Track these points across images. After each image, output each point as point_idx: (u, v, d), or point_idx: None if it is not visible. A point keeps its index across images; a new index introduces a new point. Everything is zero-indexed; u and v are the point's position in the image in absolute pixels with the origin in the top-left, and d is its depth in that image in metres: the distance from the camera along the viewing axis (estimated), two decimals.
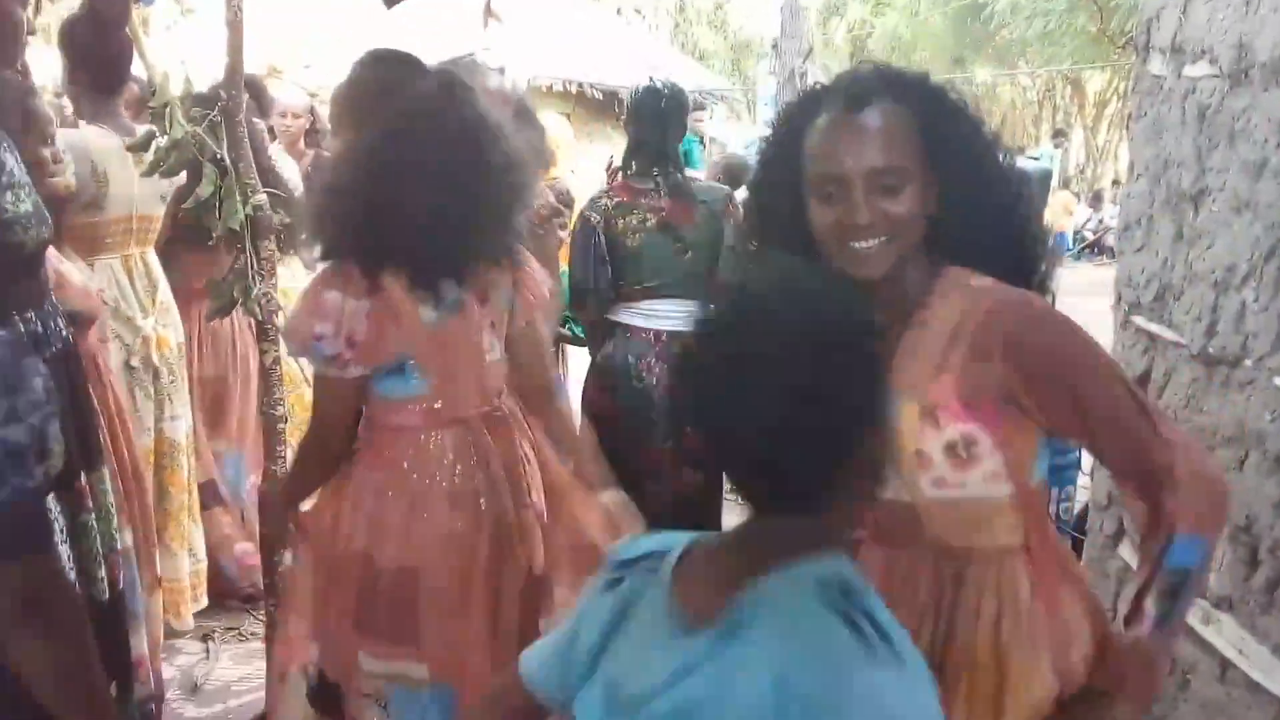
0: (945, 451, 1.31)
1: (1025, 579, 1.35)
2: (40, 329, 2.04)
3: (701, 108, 8.16)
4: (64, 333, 2.11)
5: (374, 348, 1.83)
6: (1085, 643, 1.37)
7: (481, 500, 1.94)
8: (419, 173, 1.80)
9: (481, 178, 1.84)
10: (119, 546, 2.30)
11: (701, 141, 6.40)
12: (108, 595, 2.19)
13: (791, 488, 1.01)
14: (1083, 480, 4.13)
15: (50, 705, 1.24)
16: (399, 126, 1.83)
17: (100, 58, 2.90)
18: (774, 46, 8.97)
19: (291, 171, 3.44)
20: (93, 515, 2.14)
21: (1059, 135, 17.73)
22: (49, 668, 1.22)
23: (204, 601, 3.22)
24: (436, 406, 1.91)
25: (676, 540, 1.12)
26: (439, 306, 1.86)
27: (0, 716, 1.28)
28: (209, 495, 3.34)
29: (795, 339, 0.99)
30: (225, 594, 3.39)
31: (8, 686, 1.23)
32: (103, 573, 2.17)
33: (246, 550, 3.36)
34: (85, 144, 2.79)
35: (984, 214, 1.38)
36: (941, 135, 1.35)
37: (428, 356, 1.88)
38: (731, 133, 13.25)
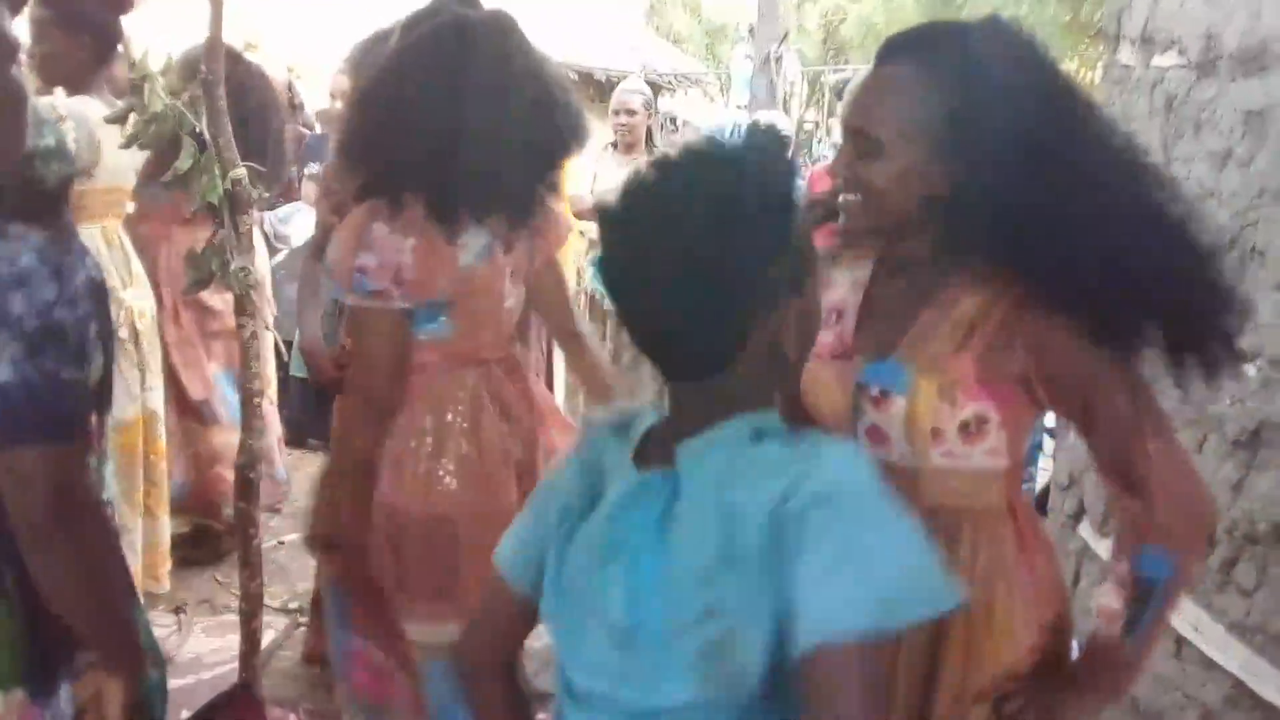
0: (959, 429, 1.33)
1: (1011, 539, 1.39)
2: None
3: (673, 90, 8.22)
4: (93, 274, 2.12)
5: (422, 285, 1.81)
6: (1053, 604, 1.42)
7: (505, 443, 1.94)
8: (450, 106, 1.78)
9: (515, 118, 1.82)
10: (108, 497, 2.31)
11: (674, 123, 6.41)
12: None
13: (692, 355, 1.02)
14: (1043, 461, 4.21)
15: (72, 619, 1.25)
16: (428, 55, 1.83)
17: (96, 27, 2.89)
18: (750, 31, 9.00)
19: None
20: (95, 459, 2.14)
21: None
22: (77, 577, 1.22)
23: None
24: (457, 349, 1.91)
25: (643, 411, 1.13)
26: (473, 250, 1.86)
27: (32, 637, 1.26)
28: (204, 413, 3.42)
29: (685, 202, 0.99)
30: (207, 512, 3.44)
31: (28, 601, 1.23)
32: None
33: (221, 473, 3.40)
34: (85, 112, 2.78)
35: (1028, 225, 1.26)
36: (968, 119, 1.26)
37: (458, 299, 1.88)
38: (704, 115, 13.25)
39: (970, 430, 1.33)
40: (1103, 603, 1.38)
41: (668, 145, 5.52)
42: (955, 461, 1.35)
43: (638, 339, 1.06)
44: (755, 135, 1.05)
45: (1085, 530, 2.78)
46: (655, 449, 1.08)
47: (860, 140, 1.31)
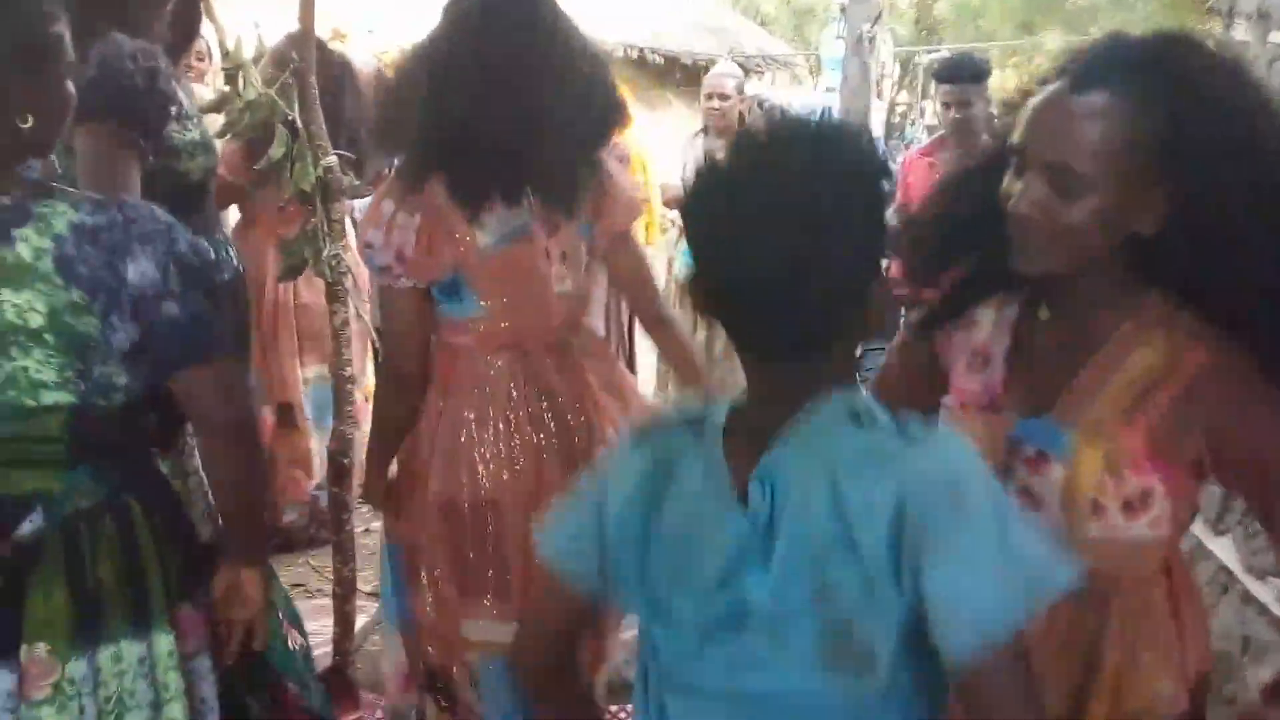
0: (1122, 506, 1.22)
1: (1162, 603, 1.30)
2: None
3: (760, 73, 8.10)
4: (235, 263, 2.16)
5: (422, 264, 1.81)
6: (1201, 662, 1.33)
7: (541, 432, 1.90)
8: (470, 82, 1.75)
9: (541, 95, 1.77)
10: None
11: (761, 106, 6.32)
12: None
13: (799, 329, 1.00)
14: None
15: (238, 510, 1.56)
16: (454, 29, 1.80)
17: (176, 16, 2.94)
18: (842, 10, 8.84)
19: None
20: None
21: None
22: (253, 471, 1.56)
23: None
24: (493, 331, 1.88)
25: (712, 409, 1.09)
26: (498, 231, 1.82)
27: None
28: (287, 417, 3.47)
29: (800, 176, 0.96)
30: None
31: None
32: None
33: (299, 477, 3.49)
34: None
35: (1246, 256, 1.16)
36: (1180, 147, 1.15)
37: (483, 280, 1.85)
38: (792, 98, 13.09)
39: (1134, 506, 1.22)
40: (1263, 676, 1.31)
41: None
42: (1113, 534, 1.24)
43: (735, 314, 1.03)
44: (840, 118, 1.06)
45: (1199, 529, 2.66)
46: (739, 437, 1.05)
47: (1059, 176, 1.17)
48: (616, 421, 1.99)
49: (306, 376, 3.54)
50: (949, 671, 0.95)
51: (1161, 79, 1.16)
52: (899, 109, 12.58)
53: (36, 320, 1.33)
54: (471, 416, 1.89)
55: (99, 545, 1.42)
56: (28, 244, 1.32)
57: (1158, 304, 1.23)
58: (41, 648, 1.38)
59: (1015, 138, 1.21)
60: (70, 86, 1.43)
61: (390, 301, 1.89)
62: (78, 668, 1.39)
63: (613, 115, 1.92)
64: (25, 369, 1.34)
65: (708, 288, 1.03)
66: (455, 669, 1.98)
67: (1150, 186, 1.17)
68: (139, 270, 1.37)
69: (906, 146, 8.30)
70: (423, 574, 1.97)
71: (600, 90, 1.87)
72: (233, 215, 3.53)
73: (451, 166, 1.78)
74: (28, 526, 1.39)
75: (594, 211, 1.92)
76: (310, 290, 3.36)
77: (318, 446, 3.46)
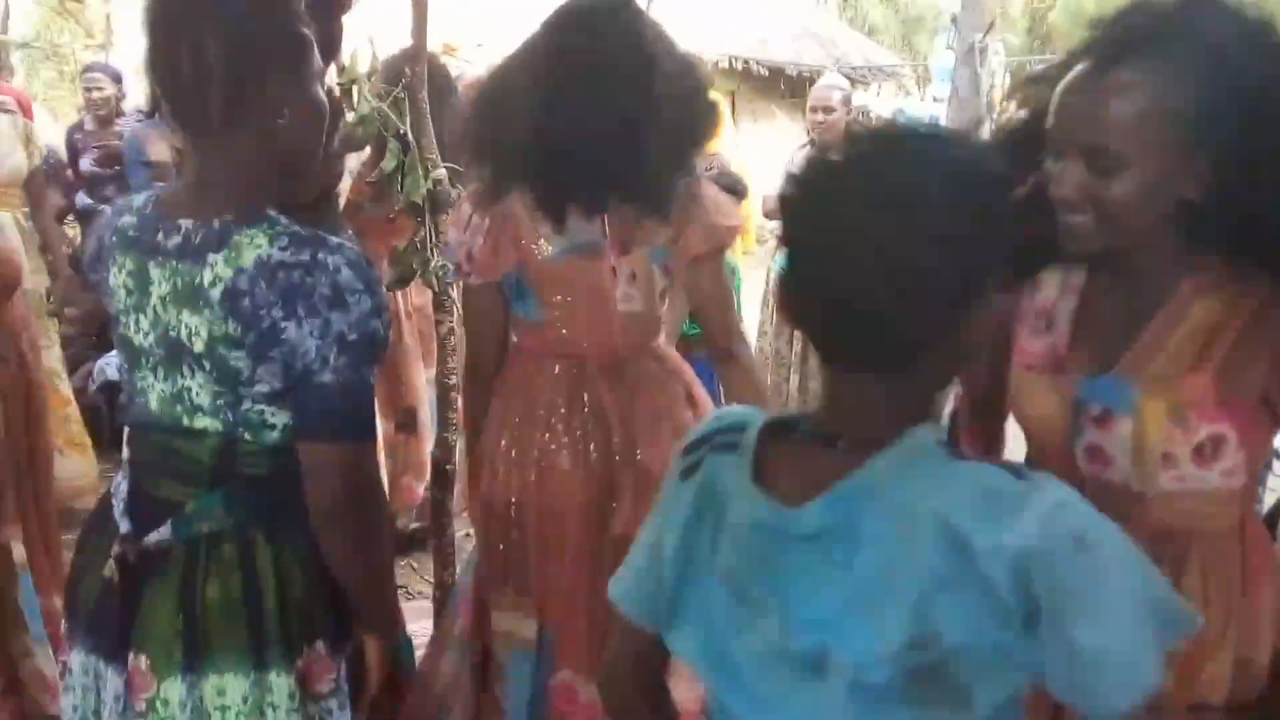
0: (1193, 453, 1.22)
1: (1238, 562, 1.28)
2: None
3: (866, 83, 8.03)
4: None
5: (485, 263, 1.88)
6: (1267, 638, 1.30)
7: (579, 445, 1.91)
8: (549, 92, 1.76)
9: (637, 107, 1.75)
10: None
11: (867, 117, 6.25)
12: None
13: (889, 337, 0.94)
14: (1272, 480, 3.88)
15: (354, 586, 1.43)
16: (545, 41, 1.81)
17: (323, 35, 3.04)
18: (952, 19, 8.71)
19: None
20: None
21: None
22: (368, 551, 1.42)
23: None
24: (548, 340, 1.92)
25: (750, 416, 1.06)
26: (567, 242, 1.84)
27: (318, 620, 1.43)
28: (409, 421, 3.54)
29: (921, 177, 0.92)
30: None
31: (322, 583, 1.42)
32: None
33: (412, 484, 3.54)
34: None
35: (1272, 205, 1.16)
36: (1216, 110, 1.15)
37: (545, 287, 1.88)
38: (900, 109, 12.93)
39: (1205, 453, 1.22)
40: None
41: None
42: (1187, 484, 1.24)
43: (822, 317, 0.98)
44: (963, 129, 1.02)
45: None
46: (797, 460, 1.01)
47: (1096, 157, 1.18)
48: (664, 452, 1.96)
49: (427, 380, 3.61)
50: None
51: (1187, 47, 1.16)
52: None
53: (199, 345, 1.34)
54: (516, 419, 1.94)
55: (213, 569, 1.38)
56: (212, 270, 1.32)
57: (1214, 263, 1.23)
58: (144, 660, 1.37)
59: (1049, 124, 1.22)
60: (320, 96, 1.42)
61: (468, 298, 1.98)
62: (174, 689, 1.36)
63: (705, 126, 1.91)
64: (190, 389, 1.38)
65: (799, 289, 0.99)
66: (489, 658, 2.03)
67: (1191, 154, 1.16)
68: (301, 322, 1.29)
69: None
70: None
71: (693, 100, 1.87)
72: None
73: (539, 175, 1.80)
74: (154, 536, 1.40)
75: (674, 235, 1.91)
76: (421, 295, 3.43)
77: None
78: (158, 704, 1.36)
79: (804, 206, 0.99)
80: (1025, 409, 1.37)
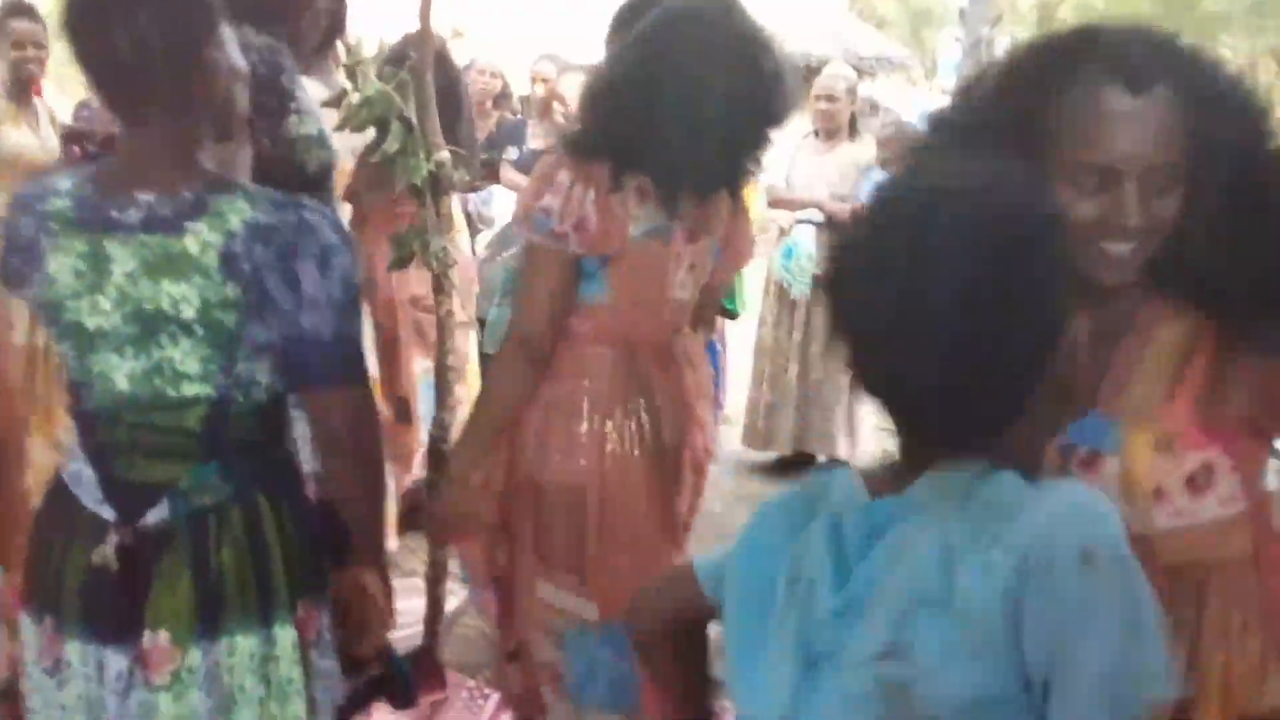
0: (1185, 485, 1.21)
1: (1255, 586, 1.26)
2: None
3: (873, 74, 8.01)
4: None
5: (599, 237, 1.86)
6: None
7: (634, 426, 1.95)
8: (667, 81, 1.81)
9: (734, 98, 1.83)
10: None
11: (874, 109, 6.24)
12: None
13: (967, 418, 0.90)
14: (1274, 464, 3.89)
15: (361, 523, 1.54)
16: (659, 29, 1.86)
17: (326, 14, 3.05)
18: (961, 13, 8.69)
19: None
20: None
21: None
22: (376, 486, 1.55)
23: None
24: (609, 322, 1.94)
25: (831, 484, 1.06)
26: (646, 225, 1.88)
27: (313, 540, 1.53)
28: (402, 410, 3.55)
29: (972, 236, 0.87)
30: None
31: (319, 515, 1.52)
32: None
33: (398, 474, 3.53)
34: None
35: (1238, 244, 1.16)
36: (1206, 134, 1.16)
37: (620, 269, 1.90)
38: (906, 101, 12.90)
39: (1198, 483, 1.21)
40: None
41: (879, 136, 5.39)
42: (1185, 519, 1.22)
43: (892, 397, 0.95)
44: (1013, 165, 0.96)
45: None
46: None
47: (1158, 176, 1.15)
48: (706, 427, 2.04)
49: (424, 367, 3.60)
50: None
51: (1195, 76, 1.17)
52: None
53: (189, 312, 1.36)
54: (569, 404, 1.95)
55: (224, 538, 1.43)
56: (197, 238, 1.35)
57: (1169, 293, 1.23)
58: (164, 635, 1.41)
59: (1088, 157, 1.16)
60: (240, 59, 1.46)
61: (542, 264, 1.89)
62: (196, 657, 1.42)
63: (787, 110, 1.96)
64: (172, 359, 1.39)
65: (863, 370, 0.97)
66: (532, 634, 2.05)
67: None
68: (302, 277, 1.37)
69: None
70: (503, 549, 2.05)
71: (777, 87, 1.92)
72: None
73: (658, 158, 1.84)
74: (152, 517, 1.43)
75: (726, 237, 2.01)
76: (421, 284, 3.44)
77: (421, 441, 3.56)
78: (183, 674, 1.41)
79: (848, 280, 0.95)
80: None
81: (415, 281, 3.45)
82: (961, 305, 0.86)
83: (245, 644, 1.43)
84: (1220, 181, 1.16)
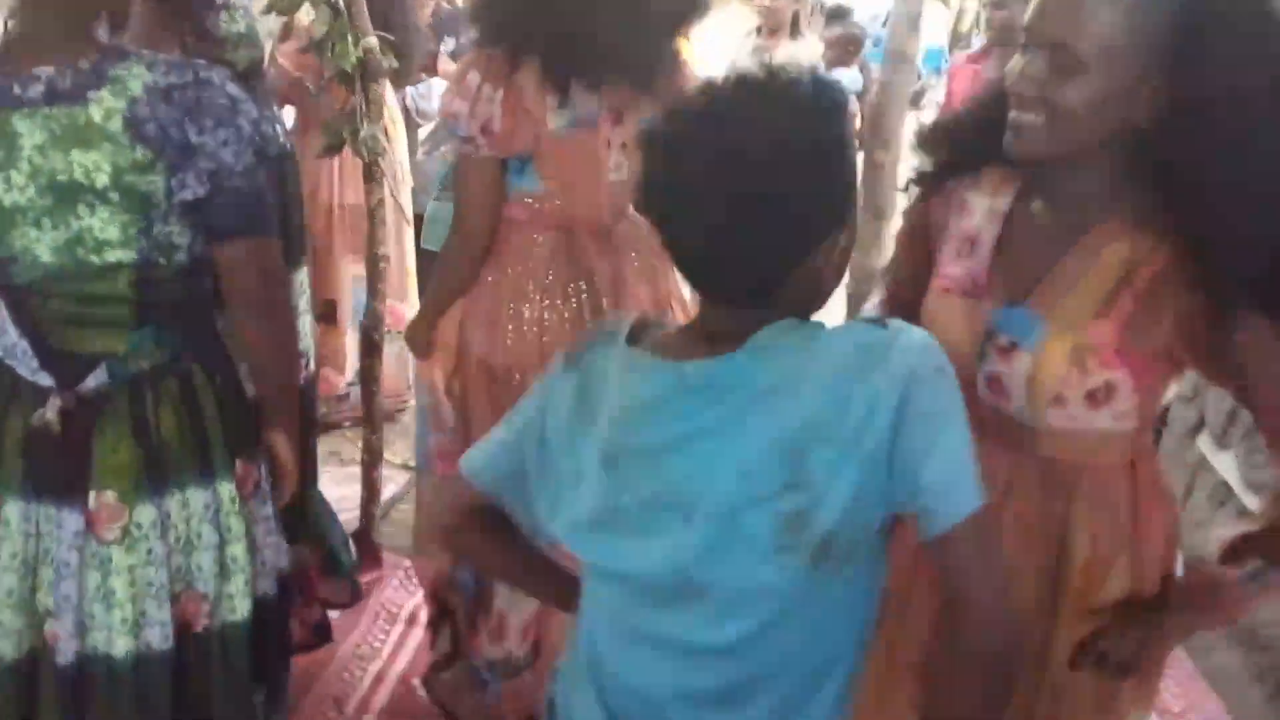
0: (1085, 397, 1.24)
1: (1128, 498, 1.32)
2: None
3: None
4: (283, 139, 2.26)
5: (505, 139, 1.88)
6: (1166, 562, 1.35)
7: (575, 308, 2.00)
8: None
9: None
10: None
11: (822, 8, 6.20)
12: None
13: (739, 284, 1.02)
14: None
15: (274, 380, 1.63)
16: None
17: None
18: None
19: None
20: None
21: None
22: (285, 341, 1.64)
23: None
24: (547, 209, 1.97)
25: (623, 322, 1.13)
26: (569, 115, 1.89)
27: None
28: (329, 313, 3.58)
29: (746, 133, 0.97)
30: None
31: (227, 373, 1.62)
32: None
33: (330, 374, 3.62)
34: None
35: (1238, 165, 1.13)
36: (1185, 38, 1.12)
37: (549, 161, 1.92)
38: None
39: (1098, 397, 1.24)
40: (1223, 534, 1.32)
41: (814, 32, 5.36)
42: (1076, 424, 1.27)
43: (681, 262, 1.05)
44: (812, 72, 1.03)
45: (1204, 443, 2.70)
46: (673, 339, 1.09)
47: (1058, 55, 1.16)
48: (646, 308, 2.07)
49: (356, 274, 3.58)
50: (929, 544, 1.00)
51: (1234, 7, 1.13)
52: (967, 16, 12.17)
53: (102, 180, 1.39)
54: (513, 287, 2.00)
55: (163, 402, 1.53)
56: (100, 105, 1.38)
57: (1138, 205, 1.23)
58: (110, 494, 1.50)
59: (1025, 18, 1.20)
60: None
61: (468, 170, 1.95)
62: (145, 513, 1.52)
63: (697, 6, 1.97)
64: (91, 228, 1.41)
65: (660, 230, 1.05)
66: None
67: (1149, 76, 1.15)
68: (209, 132, 1.42)
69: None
70: (463, 421, 2.10)
71: None
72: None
73: (548, 50, 1.84)
74: (91, 382, 1.49)
75: (659, 106, 1.99)
76: (356, 192, 3.41)
77: (353, 345, 3.56)
78: (131, 528, 1.52)
79: (655, 162, 1.04)
80: (936, 332, 1.34)
81: (351, 190, 3.44)
82: (746, 196, 0.97)
83: (197, 498, 1.57)
84: (1203, 82, 1.12)
